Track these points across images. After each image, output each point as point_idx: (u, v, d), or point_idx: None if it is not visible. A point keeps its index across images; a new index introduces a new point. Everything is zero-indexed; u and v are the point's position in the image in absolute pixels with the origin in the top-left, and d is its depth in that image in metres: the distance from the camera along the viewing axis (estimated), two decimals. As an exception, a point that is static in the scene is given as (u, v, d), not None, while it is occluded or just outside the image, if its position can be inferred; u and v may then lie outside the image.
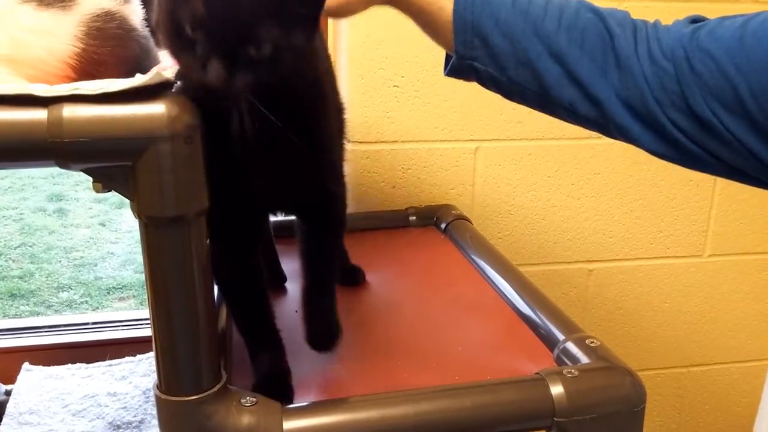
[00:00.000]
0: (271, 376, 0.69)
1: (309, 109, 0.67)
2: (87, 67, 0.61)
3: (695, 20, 0.74)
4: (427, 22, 0.78)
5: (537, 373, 0.68)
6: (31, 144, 0.49)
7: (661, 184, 1.44)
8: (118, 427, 1.06)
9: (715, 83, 0.67)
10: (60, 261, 3.47)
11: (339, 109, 0.88)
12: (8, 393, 1.10)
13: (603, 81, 0.73)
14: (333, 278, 0.74)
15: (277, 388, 0.67)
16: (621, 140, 0.75)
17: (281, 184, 0.68)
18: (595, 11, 0.74)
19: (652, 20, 0.76)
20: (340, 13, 0.77)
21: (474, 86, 0.81)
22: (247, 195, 0.66)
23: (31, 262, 3.44)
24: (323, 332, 0.71)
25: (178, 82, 0.54)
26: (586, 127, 0.77)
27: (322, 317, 0.71)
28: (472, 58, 0.77)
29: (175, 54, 0.56)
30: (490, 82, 0.78)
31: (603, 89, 0.73)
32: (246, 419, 0.60)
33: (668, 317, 1.55)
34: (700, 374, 1.62)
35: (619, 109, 0.73)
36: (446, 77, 0.82)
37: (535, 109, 0.79)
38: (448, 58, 0.81)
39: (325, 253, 0.74)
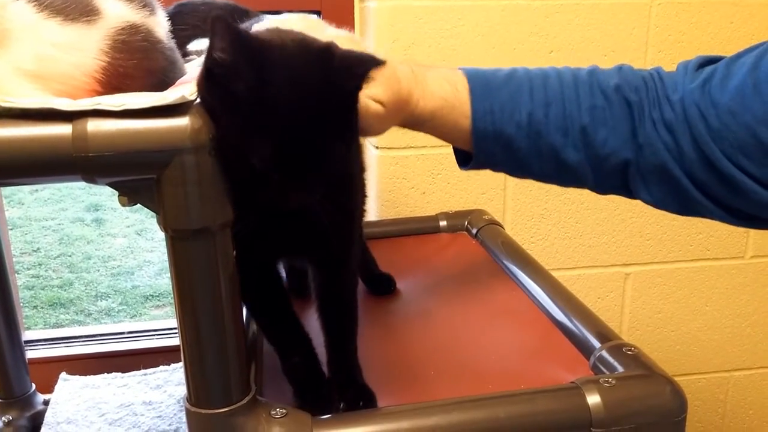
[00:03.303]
0: (310, 383, 0.69)
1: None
2: (113, 80, 0.61)
3: (701, 64, 0.72)
4: (442, 136, 0.78)
5: (573, 382, 0.66)
6: (57, 159, 0.49)
7: (699, 184, 1.40)
8: (154, 436, 1.07)
9: (734, 135, 0.66)
10: (98, 270, 3.54)
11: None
12: (46, 402, 1.11)
13: (628, 152, 0.72)
14: (353, 335, 0.72)
15: (318, 396, 0.67)
16: (640, 200, 0.75)
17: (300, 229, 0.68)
18: (610, 84, 0.73)
19: (653, 67, 0.75)
20: (367, 134, 0.77)
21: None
22: (267, 238, 0.66)
23: (71, 272, 3.51)
24: (353, 398, 0.68)
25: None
26: (607, 194, 0.78)
27: (348, 381, 0.70)
28: (494, 163, 0.77)
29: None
30: (509, 174, 0.79)
31: (628, 161, 0.72)
32: (276, 431, 0.59)
33: (709, 321, 1.51)
34: (743, 379, 1.57)
35: (638, 178, 0.72)
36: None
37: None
38: (457, 150, 0.81)
39: (343, 306, 0.73)
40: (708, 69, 0.70)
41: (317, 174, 0.58)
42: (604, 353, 0.73)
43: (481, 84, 0.74)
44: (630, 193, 0.75)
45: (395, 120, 0.74)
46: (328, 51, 0.59)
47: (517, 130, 0.73)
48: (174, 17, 0.74)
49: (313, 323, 0.74)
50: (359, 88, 0.60)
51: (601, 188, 0.77)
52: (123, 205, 0.52)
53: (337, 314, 0.73)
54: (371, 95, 0.69)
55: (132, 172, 0.51)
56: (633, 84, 0.73)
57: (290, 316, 0.72)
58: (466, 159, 0.79)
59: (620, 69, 0.75)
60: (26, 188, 4.31)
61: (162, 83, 0.64)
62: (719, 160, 0.66)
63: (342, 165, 0.60)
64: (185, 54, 0.77)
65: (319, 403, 0.66)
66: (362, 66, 0.59)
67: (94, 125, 0.49)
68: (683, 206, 0.73)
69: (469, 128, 0.74)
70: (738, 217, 0.70)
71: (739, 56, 0.69)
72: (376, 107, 0.70)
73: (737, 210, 0.70)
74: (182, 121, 0.50)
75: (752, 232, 1.45)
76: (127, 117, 0.49)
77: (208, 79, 0.55)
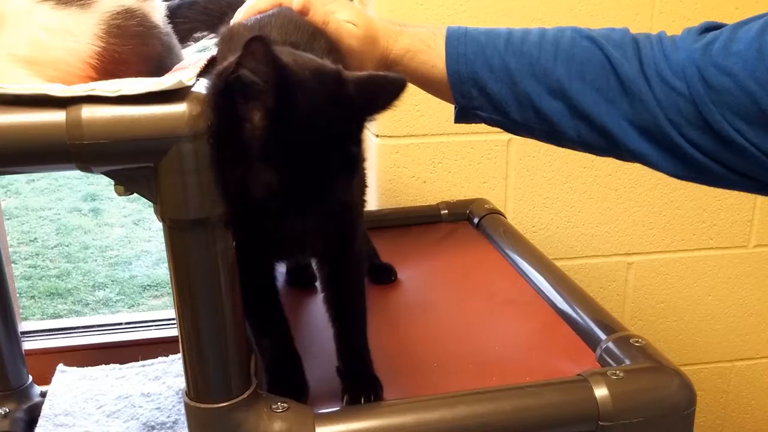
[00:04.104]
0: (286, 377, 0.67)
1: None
2: (108, 66, 0.59)
3: (706, 29, 0.70)
4: (423, 81, 0.78)
5: (579, 375, 0.65)
6: (50, 147, 0.47)
7: (702, 172, 1.39)
8: (153, 428, 1.06)
9: (735, 100, 0.64)
10: (96, 260, 3.52)
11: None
12: (43, 394, 1.10)
13: (610, 109, 0.70)
14: (363, 324, 0.71)
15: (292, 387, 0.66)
16: (637, 163, 0.73)
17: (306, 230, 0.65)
18: (591, 38, 0.72)
19: (657, 31, 0.73)
20: (348, 59, 0.77)
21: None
22: (269, 239, 0.64)
23: (68, 262, 3.49)
24: (363, 389, 0.67)
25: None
26: (599, 155, 0.76)
27: (359, 371, 0.68)
28: (474, 107, 0.76)
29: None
30: (496, 125, 0.78)
31: (611, 118, 0.70)
32: (277, 426, 0.58)
33: (712, 310, 1.50)
34: (746, 369, 1.56)
35: (631, 136, 0.70)
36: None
37: (546, 143, 0.78)
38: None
39: (351, 295, 0.72)
40: (712, 33, 0.69)
41: (319, 206, 0.56)
42: (611, 345, 0.71)
43: (458, 32, 0.76)
44: (620, 154, 0.73)
45: (372, 53, 0.75)
46: (340, 80, 0.57)
47: (491, 73, 0.73)
48: (174, 11, 0.72)
49: (317, 313, 0.72)
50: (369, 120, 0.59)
51: (588, 147, 0.75)
52: (119, 194, 0.51)
53: (345, 304, 0.71)
54: (344, 18, 0.73)
55: (128, 160, 0.49)
56: (618, 43, 0.71)
57: (276, 306, 0.70)
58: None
59: (611, 29, 0.74)
60: (22, 178, 4.29)
61: (158, 69, 0.62)
62: (717, 122, 0.65)
63: (346, 195, 0.59)
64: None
65: (288, 385, 0.65)
66: (382, 96, 0.58)
67: (88, 112, 0.47)
68: (685, 167, 0.70)
69: (445, 71, 0.75)
70: (741, 175, 0.69)
71: (745, 22, 0.67)
72: (350, 26, 0.73)
73: (738, 171, 0.68)
74: (180, 108, 0.49)
75: (756, 220, 1.44)
76: (122, 103, 0.48)
77: (222, 94, 0.52)
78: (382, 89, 0.58)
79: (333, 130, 0.55)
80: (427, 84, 0.78)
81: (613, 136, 0.71)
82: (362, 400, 0.64)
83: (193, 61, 0.61)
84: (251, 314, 0.70)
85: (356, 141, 0.58)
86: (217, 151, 0.51)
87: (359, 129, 0.58)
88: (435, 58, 0.75)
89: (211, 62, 0.63)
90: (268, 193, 0.53)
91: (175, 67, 0.63)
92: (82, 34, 0.58)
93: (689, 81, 0.66)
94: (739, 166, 0.67)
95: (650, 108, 0.68)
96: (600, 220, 1.39)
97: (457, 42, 0.75)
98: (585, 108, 0.71)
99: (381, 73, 0.60)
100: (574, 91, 0.71)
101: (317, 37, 0.70)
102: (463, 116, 0.78)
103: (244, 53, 0.50)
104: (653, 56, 0.69)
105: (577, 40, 0.72)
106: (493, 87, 0.73)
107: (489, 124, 0.79)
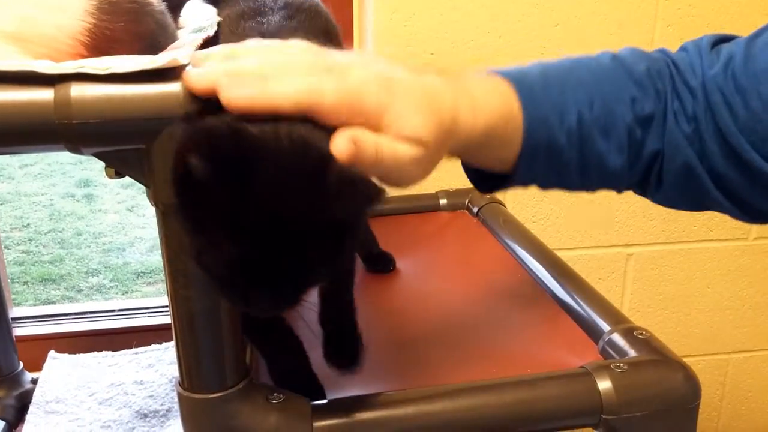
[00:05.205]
0: (297, 374, 0.65)
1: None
2: (99, 44, 0.57)
3: (714, 43, 0.64)
4: (488, 159, 0.62)
5: (582, 367, 0.64)
6: (38, 126, 0.45)
7: (704, 163, 1.37)
8: (145, 415, 1.05)
9: (764, 126, 0.58)
10: (89, 246, 3.50)
11: None
12: (34, 381, 1.09)
13: (658, 145, 0.63)
14: (350, 285, 0.67)
15: (304, 385, 0.63)
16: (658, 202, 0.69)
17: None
18: (641, 70, 0.63)
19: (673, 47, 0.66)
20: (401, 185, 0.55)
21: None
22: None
23: (61, 248, 3.47)
24: (342, 346, 0.64)
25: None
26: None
27: (340, 329, 0.65)
28: (533, 179, 0.63)
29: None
30: (536, 187, 0.66)
31: (656, 155, 0.63)
32: (273, 417, 0.57)
33: (711, 302, 1.49)
34: (743, 361, 1.56)
35: (656, 180, 0.66)
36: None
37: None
38: (472, 173, 0.67)
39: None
40: (725, 50, 0.62)
41: (293, 280, 0.49)
42: (614, 337, 0.70)
43: (525, 86, 0.60)
44: (643, 191, 0.69)
45: (438, 158, 0.54)
46: (323, 169, 0.45)
47: (568, 138, 0.60)
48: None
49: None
50: (351, 219, 0.49)
51: (625, 189, 0.70)
52: (110, 177, 0.49)
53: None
54: (409, 134, 0.50)
55: (119, 141, 0.47)
56: (658, 70, 0.64)
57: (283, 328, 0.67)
58: (484, 177, 0.66)
59: (642, 52, 0.65)
60: (16, 163, 4.26)
61: (152, 48, 0.60)
62: (747, 152, 0.59)
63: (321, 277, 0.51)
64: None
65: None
66: (357, 201, 0.47)
67: (78, 90, 0.45)
68: (695, 205, 0.66)
69: (518, 144, 0.59)
70: (748, 213, 0.64)
71: (757, 35, 0.61)
72: (413, 152, 0.50)
73: (749, 204, 0.64)
74: (174, 87, 0.47)
75: (756, 212, 1.43)
76: (113, 81, 0.46)
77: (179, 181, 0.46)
78: (356, 194, 0.47)
79: (301, 218, 0.46)
80: (489, 161, 0.62)
81: (651, 173, 0.65)
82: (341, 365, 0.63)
83: (188, 41, 0.59)
84: (258, 339, 0.66)
85: (332, 234, 0.47)
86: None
87: (333, 226, 0.47)
88: (514, 131, 0.58)
89: (207, 43, 0.61)
90: (227, 269, 0.47)
91: (170, 47, 0.61)
92: (72, 10, 0.56)
93: (714, 109, 0.60)
94: (754, 199, 0.62)
95: (680, 148, 0.62)
96: (599, 210, 1.37)
97: (533, 103, 0.59)
98: (644, 151, 0.64)
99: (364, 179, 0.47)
100: (640, 137, 0.62)
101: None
102: (505, 186, 0.64)
103: (183, 141, 0.46)
104: (675, 88, 0.62)
105: (628, 75, 0.63)
106: (568, 156, 0.60)
107: (543, 189, 0.67)
